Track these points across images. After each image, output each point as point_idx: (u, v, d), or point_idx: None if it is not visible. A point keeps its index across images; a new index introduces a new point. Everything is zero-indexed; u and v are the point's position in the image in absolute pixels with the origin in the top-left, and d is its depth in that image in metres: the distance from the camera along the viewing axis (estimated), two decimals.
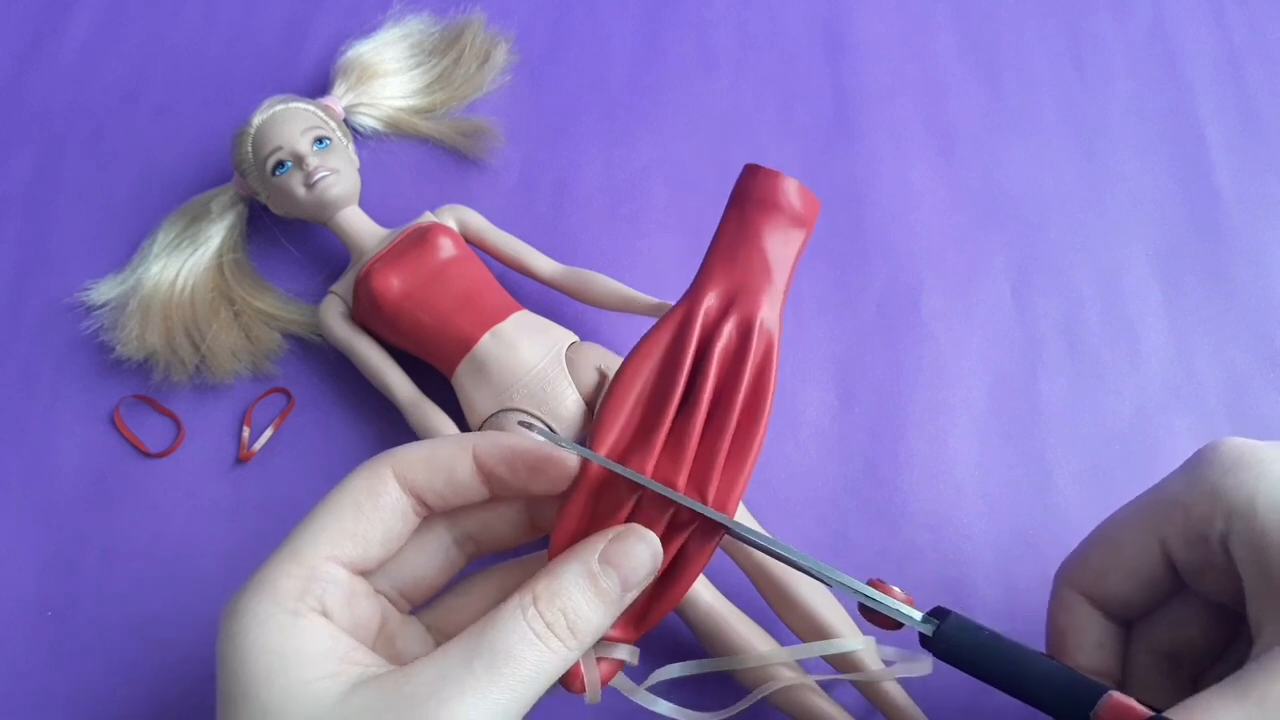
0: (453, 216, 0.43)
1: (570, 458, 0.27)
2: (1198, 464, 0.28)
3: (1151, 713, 0.24)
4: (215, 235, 0.44)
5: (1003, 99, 0.49)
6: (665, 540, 0.27)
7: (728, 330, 0.29)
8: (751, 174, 0.30)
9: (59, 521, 0.40)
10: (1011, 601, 0.38)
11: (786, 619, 0.35)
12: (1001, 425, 0.41)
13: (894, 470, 0.40)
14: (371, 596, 0.27)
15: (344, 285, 0.41)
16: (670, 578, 0.27)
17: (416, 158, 0.48)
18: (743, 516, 0.37)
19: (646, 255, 0.45)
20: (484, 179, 0.47)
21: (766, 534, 0.29)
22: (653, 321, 0.39)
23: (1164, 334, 0.43)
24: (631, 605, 0.27)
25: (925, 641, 0.28)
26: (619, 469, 0.27)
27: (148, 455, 0.41)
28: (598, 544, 0.26)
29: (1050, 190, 0.47)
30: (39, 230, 0.46)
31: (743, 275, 0.29)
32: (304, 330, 0.43)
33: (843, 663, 0.34)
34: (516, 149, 0.48)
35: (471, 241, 0.42)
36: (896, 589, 0.28)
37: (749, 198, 0.30)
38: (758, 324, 0.29)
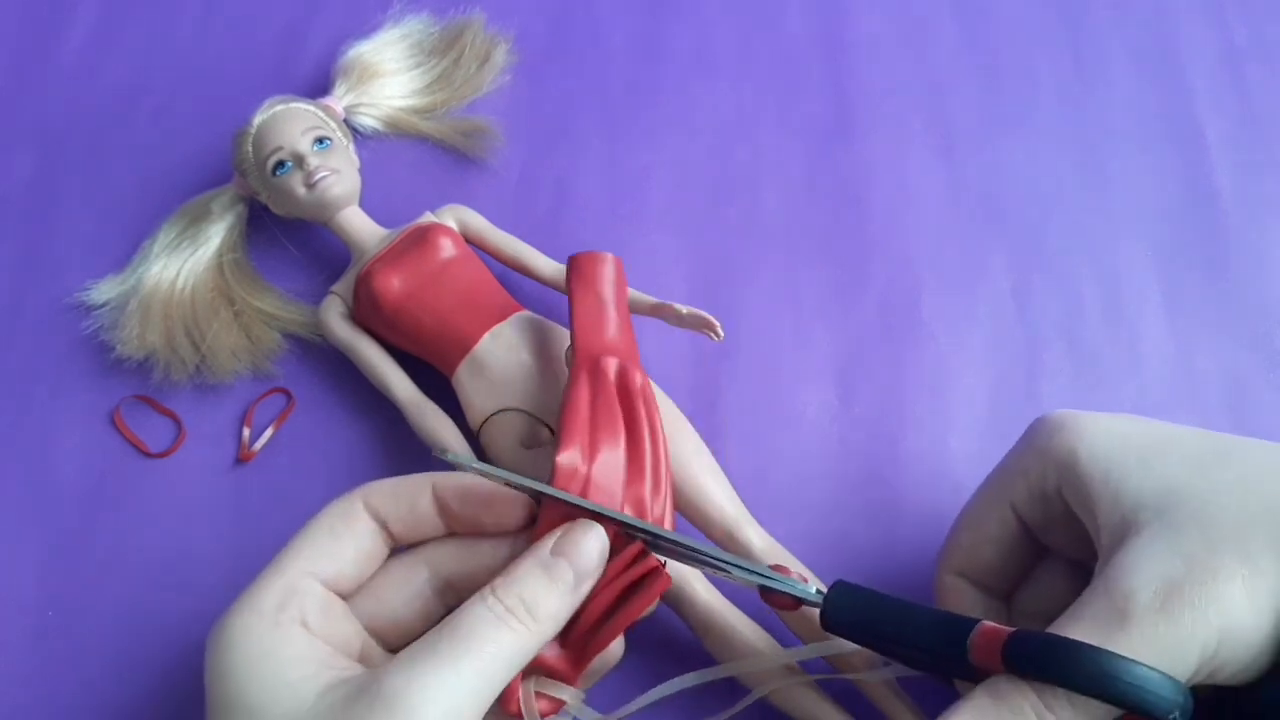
0: (453, 216, 0.43)
1: (519, 507, 0.30)
2: (1029, 434, 0.32)
3: (1012, 629, 0.27)
4: (215, 235, 0.44)
5: (1003, 99, 0.49)
6: (610, 573, 0.29)
7: (611, 374, 0.35)
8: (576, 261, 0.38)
9: (59, 521, 0.40)
10: None
11: (786, 618, 0.35)
12: (1001, 425, 0.41)
13: (894, 470, 0.40)
14: (350, 619, 0.29)
15: (344, 285, 0.41)
16: (610, 615, 0.30)
17: (416, 158, 0.48)
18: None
19: (646, 255, 0.45)
20: (484, 179, 0.47)
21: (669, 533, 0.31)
22: (653, 321, 0.39)
23: (1164, 334, 0.43)
24: (574, 636, 0.29)
25: (821, 616, 0.30)
26: (563, 495, 0.30)
27: (148, 455, 0.41)
28: (549, 539, 0.28)
29: (1050, 190, 0.47)
30: (39, 230, 0.46)
31: (611, 338, 0.36)
32: (304, 330, 0.43)
33: (843, 663, 0.34)
34: (516, 149, 0.48)
35: (472, 241, 0.42)
36: (793, 570, 0.31)
37: (581, 277, 0.37)
38: (630, 370, 0.35)
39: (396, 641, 0.30)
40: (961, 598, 0.33)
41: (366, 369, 0.40)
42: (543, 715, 0.29)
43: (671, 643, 0.37)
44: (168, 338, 0.42)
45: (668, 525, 0.34)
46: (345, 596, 0.29)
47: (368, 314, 0.40)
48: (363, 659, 0.29)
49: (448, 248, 0.40)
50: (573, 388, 0.34)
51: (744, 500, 0.37)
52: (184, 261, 0.43)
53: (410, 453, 0.40)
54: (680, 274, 0.45)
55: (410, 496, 0.30)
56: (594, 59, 0.51)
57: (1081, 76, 0.50)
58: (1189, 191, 0.46)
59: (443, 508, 0.30)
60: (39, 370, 0.43)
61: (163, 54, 0.51)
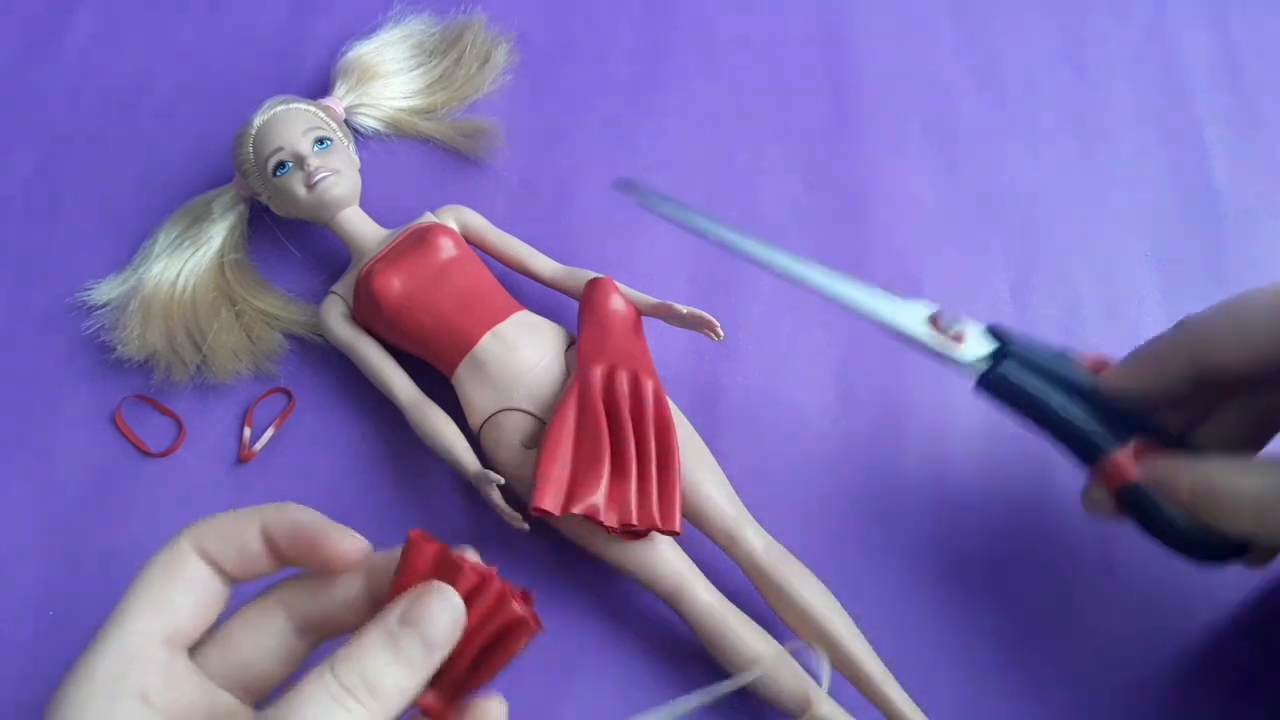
0: (453, 217, 0.43)
1: (347, 544, 0.27)
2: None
3: (1133, 478, 0.30)
4: (216, 235, 0.44)
5: (1003, 99, 0.49)
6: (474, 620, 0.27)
7: (622, 386, 0.36)
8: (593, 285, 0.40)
9: (60, 521, 0.40)
10: (1012, 601, 0.38)
11: (785, 618, 0.35)
12: (1002, 426, 0.41)
13: (894, 471, 0.41)
14: (196, 678, 0.27)
15: (345, 285, 0.42)
16: (492, 650, 0.27)
17: (417, 158, 0.48)
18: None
19: (646, 255, 0.45)
20: (484, 179, 0.47)
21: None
22: (653, 321, 0.40)
23: None
24: (450, 673, 0.26)
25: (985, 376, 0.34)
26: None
27: (149, 455, 0.41)
28: (396, 607, 0.25)
29: (1050, 190, 0.47)
30: (40, 230, 0.46)
31: (616, 351, 0.38)
32: (305, 330, 0.43)
33: (840, 662, 0.34)
34: (517, 149, 0.48)
35: (472, 242, 0.42)
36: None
37: (594, 303, 0.40)
38: (642, 377, 0.37)
39: (261, 691, 0.28)
40: (1174, 374, 0.32)
41: (367, 369, 0.40)
42: None
43: (671, 643, 0.37)
44: (169, 338, 0.42)
45: (673, 525, 0.35)
46: (192, 648, 0.27)
47: (368, 314, 0.40)
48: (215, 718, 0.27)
49: (448, 248, 0.40)
50: (556, 417, 0.36)
51: (744, 500, 0.37)
52: (185, 262, 0.43)
53: (410, 453, 0.40)
54: (680, 274, 0.45)
55: (239, 535, 0.27)
56: (594, 59, 0.51)
57: (1081, 77, 0.50)
58: (1188, 192, 0.46)
59: (272, 547, 0.28)
60: (40, 370, 0.43)
61: (163, 54, 0.51)
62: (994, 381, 0.33)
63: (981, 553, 0.39)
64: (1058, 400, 0.33)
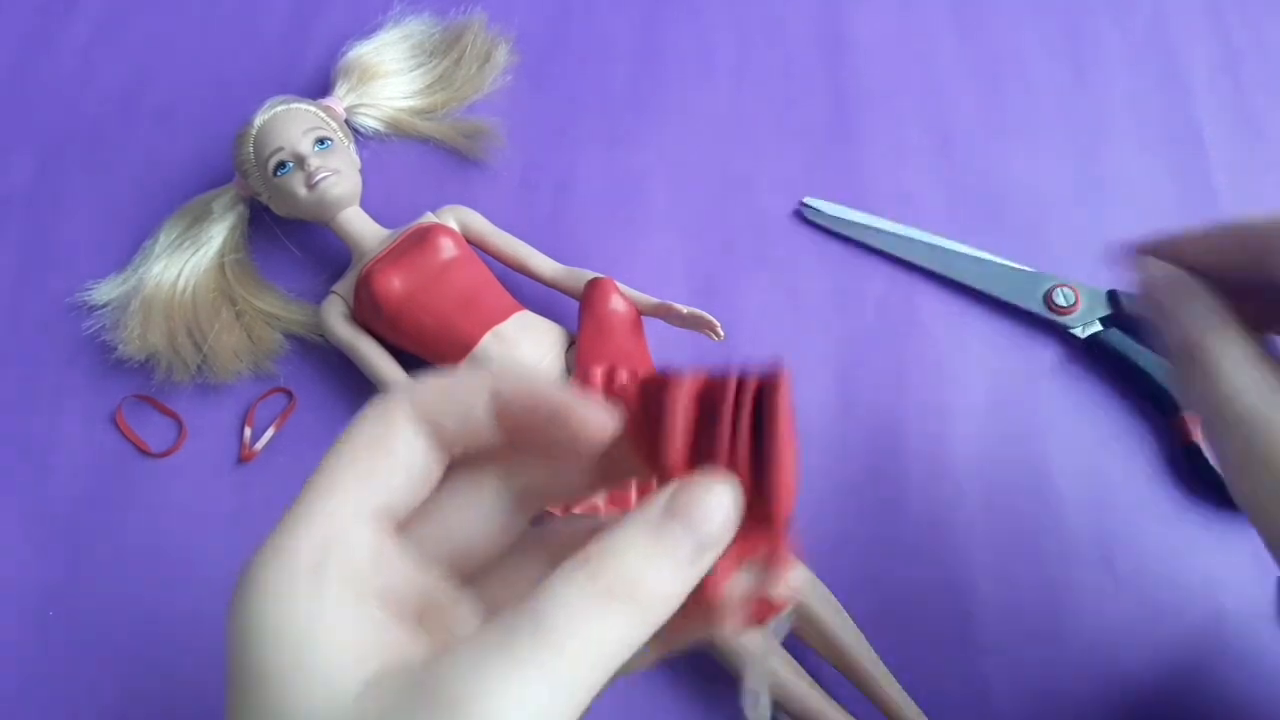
0: (453, 217, 0.43)
1: (595, 416, 0.23)
2: None
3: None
4: (217, 235, 0.44)
5: (1002, 100, 0.49)
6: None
7: (623, 385, 0.35)
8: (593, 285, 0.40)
9: (61, 521, 0.40)
10: (1012, 601, 0.38)
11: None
12: (1002, 426, 0.41)
13: (894, 470, 0.41)
14: (405, 560, 0.23)
15: (345, 285, 0.42)
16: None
17: (417, 158, 0.48)
18: None
19: (646, 255, 0.45)
20: (484, 179, 0.47)
21: None
22: (653, 321, 0.40)
23: None
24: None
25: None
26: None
27: (149, 455, 0.41)
28: (660, 496, 0.21)
29: (1050, 190, 0.47)
30: (41, 230, 0.46)
31: (616, 351, 0.38)
32: (305, 330, 0.43)
33: (841, 662, 0.34)
34: (516, 149, 0.48)
35: (472, 242, 0.42)
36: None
37: (594, 303, 0.39)
38: (642, 375, 0.33)
39: (469, 569, 0.24)
40: (1236, 252, 0.29)
41: (367, 369, 0.40)
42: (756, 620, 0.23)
43: None
44: (169, 338, 0.42)
45: None
46: (399, 528, 0.23)
47: (368, 314, 0.40)
48: (427, 610, 0.23)
49: (448, 248, 0.40)
50: None
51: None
52: (185, 262, 0.43)
53: None
54: (680, 274, 0.45)
55: (463, 401, 0.23)
56: (594, 59, 0.51)
57: (1081, 77, 0.50)
58: (1187, 192, 0.46)
59: (503, 417, 0.23)
60: (40, 370, 0.43)
61: (163, 54, 0.51)
62: (1097, 345, 0.42)
63: (982, 553, 0.39)
64: (1153, 363, 0.40)
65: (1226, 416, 0.26)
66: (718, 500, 0.21)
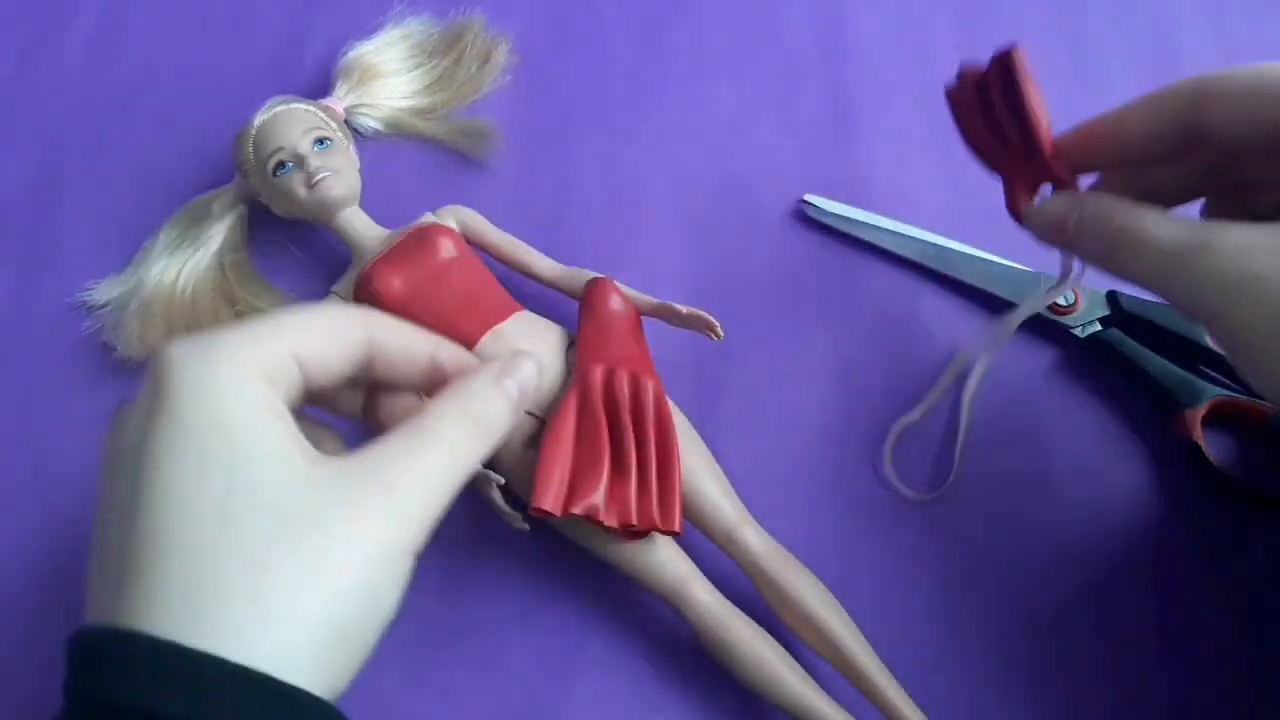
0: (453, 217, 0.43)
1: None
2: None
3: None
4: (216, 236, 0.44)
5: None
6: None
7: (623, 386, 0.36)
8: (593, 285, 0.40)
9: (60, 521, 0.40)
10: (1013, 600, 0.38)
11: (784, 617, 0.35)
12: (1001, 424, 0.41)
13: (895, 470, 0.41)
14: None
15: (345, 285, 0.42)
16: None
17: (417, 158, 0.48)
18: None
19: (646, 255, 0.45)
20: (484, 179, 0.47)
21: None
22: (653, 321, 0.40)
23: None
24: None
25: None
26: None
27: None
28: (495, 364, 0.30)
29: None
30: (41, 230, 0.46)
31: (616, 351, 0.38)
32: None
33: (840, 662, 0.34)
34: (516, 149, 0.48)
35: (472, 242, 0.42)
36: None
37: (594, 303, 0.39)
38: (642, 377, 0.37)
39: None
40: (1168, 121, 0.33)
41: None
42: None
43: (672, 643, 0.37)
44: (169, 338, 0.42)
45: (673, 525, 0.35)
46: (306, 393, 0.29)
47: None
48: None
49: (448, 248, 0.40)
50: (556, 417, 0.36)
51: (744, 500, 0.37)
52: (185, 262, 0.43)
53: None
54: (680, 274, 0.45)
55: (411, 348, 0.30)
56: (594, 59, 0.51)
57: (1081, 77, 0.50)
58: None
59: (433, 372, 0.31)
60: (40, 370, 0.43)
61: (163, 54, 0.51)
62: (1097, 345, 0.42)
63: (982, 552, 0.39)
64: (1153, 363, 0.40)
65: (1146, 256, 0.30)
66: (529, 367, 0.31)
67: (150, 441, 0.24)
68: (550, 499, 0.34)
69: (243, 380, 0.25)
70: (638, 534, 0.35)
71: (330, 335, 0.28)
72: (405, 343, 0.30)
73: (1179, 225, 0.29)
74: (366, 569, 0.24)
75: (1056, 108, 0.48)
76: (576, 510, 0.34)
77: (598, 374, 0.36)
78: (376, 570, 0.25)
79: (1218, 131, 0.31)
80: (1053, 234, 0.33)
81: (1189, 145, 0.32)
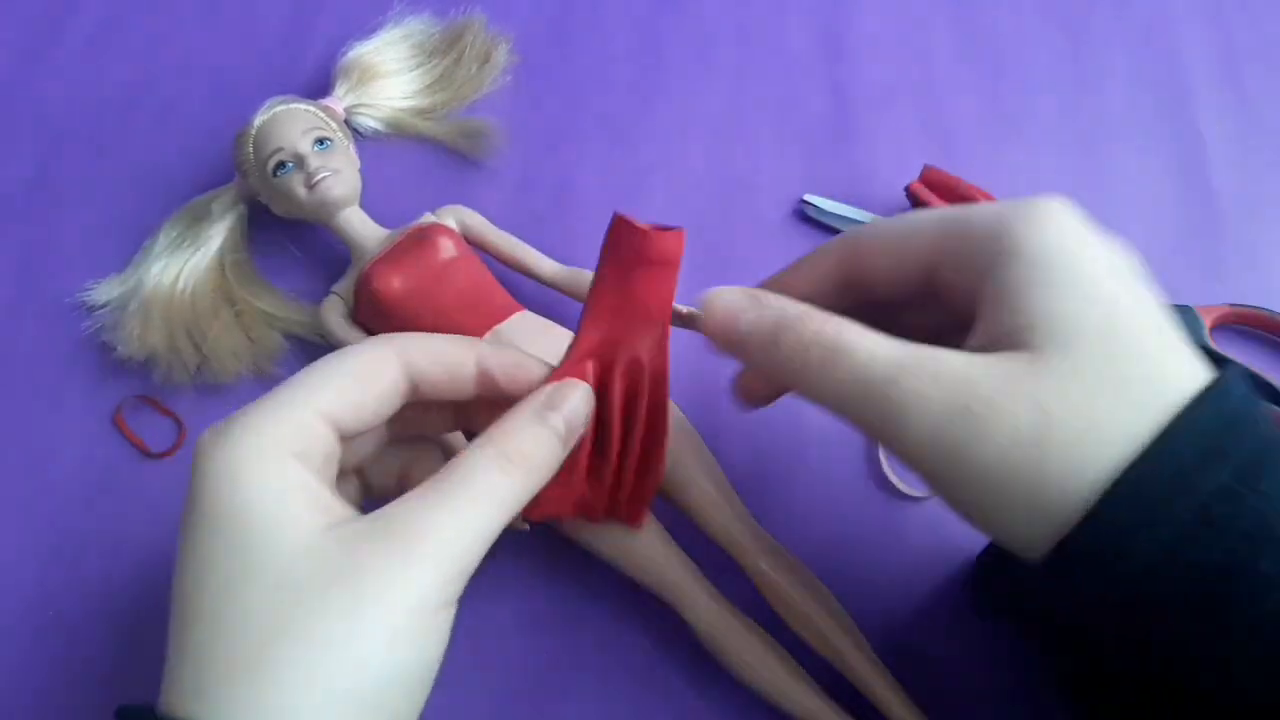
0: (453, 217, 0.43)
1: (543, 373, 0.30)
2: (1004, 203, 0.28)
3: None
4: (216, 236, 0.44)
5: (1002, 100, 0.49)
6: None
7: (619, 375, 0.31)
8: (621, 229, 0.30)
9: (60, 521, 0.40)
10: None
11: (786, 617, 0.35)
12: None
13: (895, 469, 0.41)
14: (348, 476, 0.29)
15: (345, 285, 0.42)
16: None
17: (417, 158, 0.48)
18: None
19: None
20: (484, 179, 0.47)
21: None
22: None
23: None
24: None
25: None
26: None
27: (149, 455, 0.41)
28: (540, 394, 0.29)
29: (1050, 190, 0.46)
30: (40, 230, 0.46)
31: (625, 326, 0.31)
32: (305, 331, 0.43)
33: (841, 662, 0.35)
34: (516, 149, 0.48)
35: (472, 242, 0.42)
36: None
37: (621, 254, 0.30)
38: (644, 364, 0.31)
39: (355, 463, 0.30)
40: (826, 278, 0.31)
41: None
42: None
43: (672, 643, 0.37)
44: (169, 338, 0.42)
45: (637, 521, 0.34)
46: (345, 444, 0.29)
47: (368, 314, 0.40)
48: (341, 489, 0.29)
49: (448, 248, 0.40)
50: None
51: (744, 500, 0.37)
52: (185, 262, 0.43)
53: None
54: (681, 274, 0.44)
55: (452, 358, 0.29)
56: (594, 59, 0.51)
57: (1081, 77, 0.50)
58: (1187, 192, 0.46)
59: (484, 379, 0.30)
60: (40, 370, 0.43)
61: (163, 54, 0.51)
62: None
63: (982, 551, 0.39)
64: None
65: (857, 372, 0.26)
66: (579, 397, 0.30)
67: (182, 533, 0.26)
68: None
69: (259, 461, 0.25)
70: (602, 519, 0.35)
71: (361, 383, 0.28)
72: (447, 362, 0.29)
73: (889, 341, 0.27)
74: (387, 632, 0.24)
75: (1057, 106, 0.48)
76: (535, 517, 0.33)
77: (588, 367, 0.32)
78: (400, 632, 0.24)
79: (876, 288, 0.30)
80: (720, 334, 0.30)
81: (849, 295, 0.31)
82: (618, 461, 0.33)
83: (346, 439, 0.28)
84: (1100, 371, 0.25)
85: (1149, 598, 0.24)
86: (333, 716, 0.23)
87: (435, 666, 0.25)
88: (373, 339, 0.30)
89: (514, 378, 0.30)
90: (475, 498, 0.26)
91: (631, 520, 0.34)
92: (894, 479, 0.40)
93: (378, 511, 0.26)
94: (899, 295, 0.30)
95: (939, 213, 0.30)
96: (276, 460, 0.25)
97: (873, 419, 0.27)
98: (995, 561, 0.29)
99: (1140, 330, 0.26)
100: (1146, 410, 0.24)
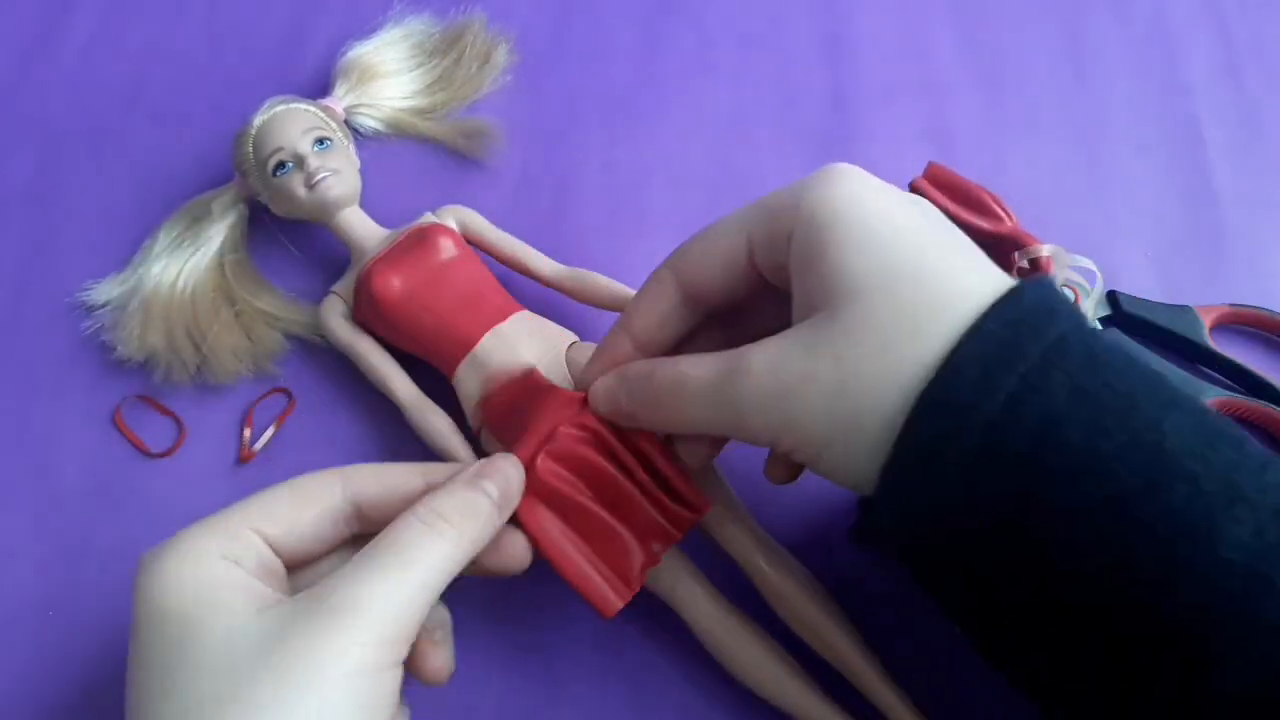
0: (453, 217, 0.43)
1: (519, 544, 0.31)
2: (800, 180, 0.30)
3: None
4: (216, 236, 0.44)
5: (1002, 100, 0.49)
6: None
7: (551, 463, 0.32)
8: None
9: (60, 521, 0.40)
10: None
11: (784, 617, 0.35)
12: None
13: None
14: (281, 579, 0.29)
15: (345, 285, 0.42)
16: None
17: (417, 158, 0.48)
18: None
19: (646, 255, 0.45)
20: (484, 179, 0.47)
21: None
22: None
23: None
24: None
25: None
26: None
27: (149, 455, 0.41)
28: (472, 467, 0.30)
29: (1050, 190, 0.47)
30: (40, 230, 0.46)
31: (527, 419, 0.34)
32: (305, 331, 0.43)
33: (840, 663, 0.34)
34: (516, 149, 0.48)
35: (472, 242, 0.42)
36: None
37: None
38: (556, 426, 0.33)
39: (298, 562, 0.30)
40: (659, 291, 0.33)
41: (367, 369, 0.40)
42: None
43: (672, 643, 0.37)
44: (168, 338, 0.42)
45: (702, 505, 0.34)
46: (287, 566, 0.29)
47: (368, 314, 0.40)
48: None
49: (448, 248, 0.40)
50: (532, 527, 0.32)
51: (743, 499, 0.37)
52: (185, 262, 0.43)
53: (410, 453, 0.40)
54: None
55: (399, 485, 0.30)
56: (594, 59, 0.51)
57: (1081, 77, 0.50)
58: (1188, 192, 0.46)
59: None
60: (40, 370, 0.43)
61: (163, 54, 0.51)
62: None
63: None
64: (1153, 363, 0.39)
65: (699, 395, 0.30)
66: (511, 467, 0.31)
67: (130, 646, 0.26)
68: (611, 599, 0.32)
69: (192, 564, 0.26)
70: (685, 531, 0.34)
71: (298, 503, 0.29)
72: (391, 483, 0.30)
73: (712, 357, 0.30)
74: (317, 701, 0.24)
75: (1057, 105, 0.48)
76: (639, 586, 0.33)
77: (531, 466, 0.33)
78: (334, 699, 0.24)
79: (707, 291, 0.32)
80: (618, 417, 0.32)
81: (699, 311, 0.33)
82: (639, 495, 0.33)
83: (292, 562, 0.29)
84: (886, 312, 0.26)
85: (966, 518, 0.26)
86: None
87: None
88: (319, 472, 0.30)
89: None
90: (407, 562, 0.27)
91: (698, 510, 0.34)
92: None
93: (314, 590, 0.26)
94: (741, 296, 0.32)
95: (743, 209, 0.31)
96: (207, 561, 0.27)
97: (729, 428, 0.30)
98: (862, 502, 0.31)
99: (922, 265, 0.27)
100: (932, 338, 0.26)
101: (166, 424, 0.42)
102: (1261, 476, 0.24)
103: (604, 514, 0.32)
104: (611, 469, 0.33)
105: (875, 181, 0.29)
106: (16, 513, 0.40)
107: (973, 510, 0.26)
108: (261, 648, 0.25)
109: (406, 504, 0.29)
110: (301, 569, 0.30)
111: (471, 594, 0.39)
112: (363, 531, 0.30)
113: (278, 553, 0.29)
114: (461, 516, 0.28)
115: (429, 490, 0.30)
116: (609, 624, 0.38)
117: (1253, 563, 0.23)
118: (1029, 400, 0.25)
